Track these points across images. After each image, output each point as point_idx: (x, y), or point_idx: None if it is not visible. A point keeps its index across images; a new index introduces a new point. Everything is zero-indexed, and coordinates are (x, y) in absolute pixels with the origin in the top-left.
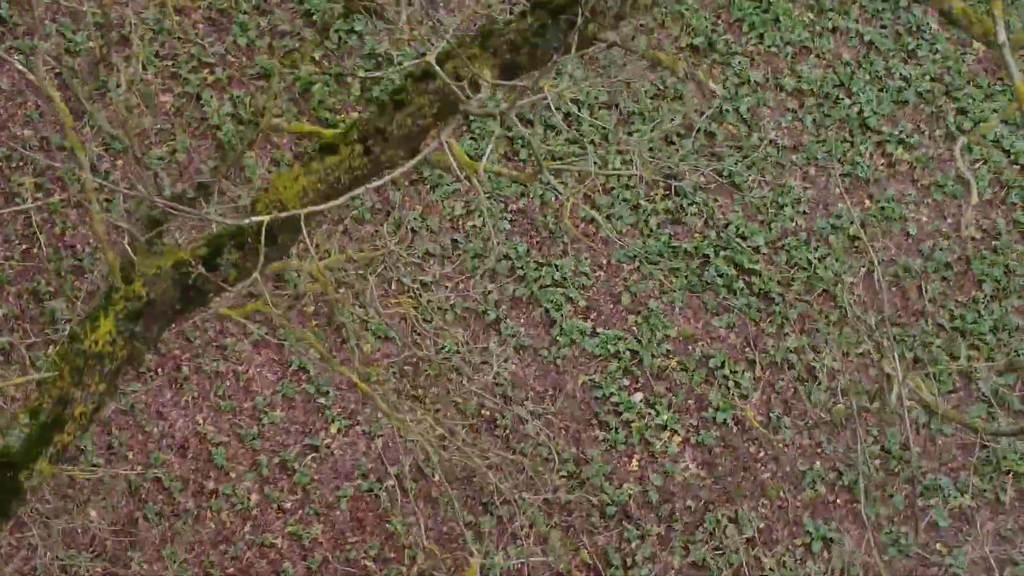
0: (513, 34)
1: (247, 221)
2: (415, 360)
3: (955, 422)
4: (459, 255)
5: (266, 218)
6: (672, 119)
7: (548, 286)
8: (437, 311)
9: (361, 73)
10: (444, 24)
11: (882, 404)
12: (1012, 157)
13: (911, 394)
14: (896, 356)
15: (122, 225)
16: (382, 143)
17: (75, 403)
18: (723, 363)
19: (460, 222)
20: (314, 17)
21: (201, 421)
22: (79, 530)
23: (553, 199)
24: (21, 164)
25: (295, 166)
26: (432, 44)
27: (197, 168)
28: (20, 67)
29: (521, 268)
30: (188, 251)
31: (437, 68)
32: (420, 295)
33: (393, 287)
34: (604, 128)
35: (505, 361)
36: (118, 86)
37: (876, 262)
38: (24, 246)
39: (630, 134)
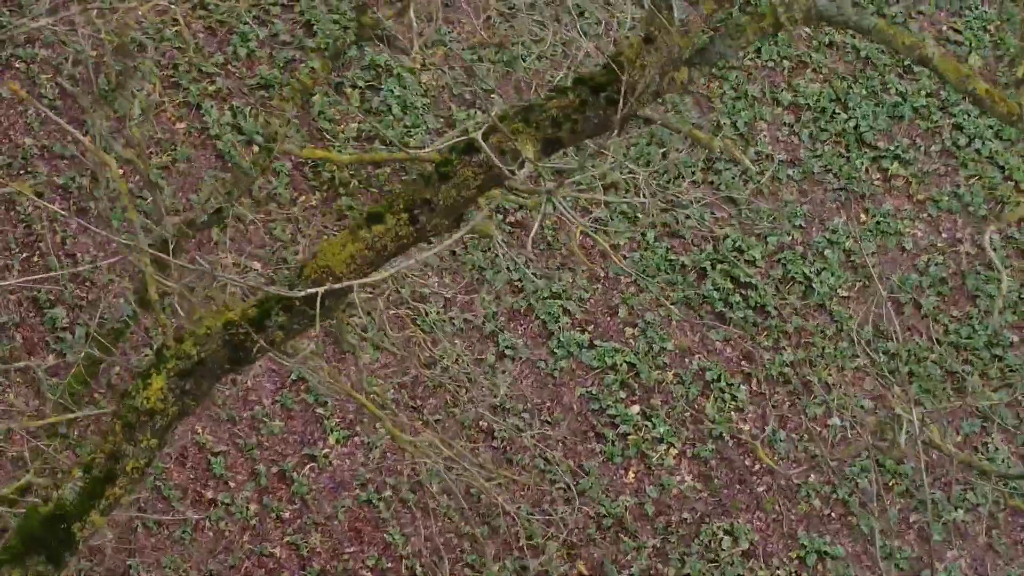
0: (555, 110)
1: (302, 293)
2: (414, 372)
3: (970, 467)
4: (459, 266)
5: (321, 290)
6: (671, 134)
7: (546, 298)
8: (436, 324)
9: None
10: (454, 51)
11: (892, 443)
12: (1006, 172)
13: (926, 440)
14: (912, 400)
15: (181, 291)
16: (428, 212)
17: (127, 458)
18: (719, 376)
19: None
20: (315, 28)
21: (200, 430)
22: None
23: (551, 210)
24: (21, 172)
25: (342, 233)
26: (444, 71)
27: (198, 178)
28: (79, 137)
29: (519, 280)
30: (238, 313)
31: (483, 144)
32: (420, 309)
33: (392, 298)
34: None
35: (504, 373)
36: (130, 107)
37: (884, 297)
38: (25, 254)
39: (627, 148)
